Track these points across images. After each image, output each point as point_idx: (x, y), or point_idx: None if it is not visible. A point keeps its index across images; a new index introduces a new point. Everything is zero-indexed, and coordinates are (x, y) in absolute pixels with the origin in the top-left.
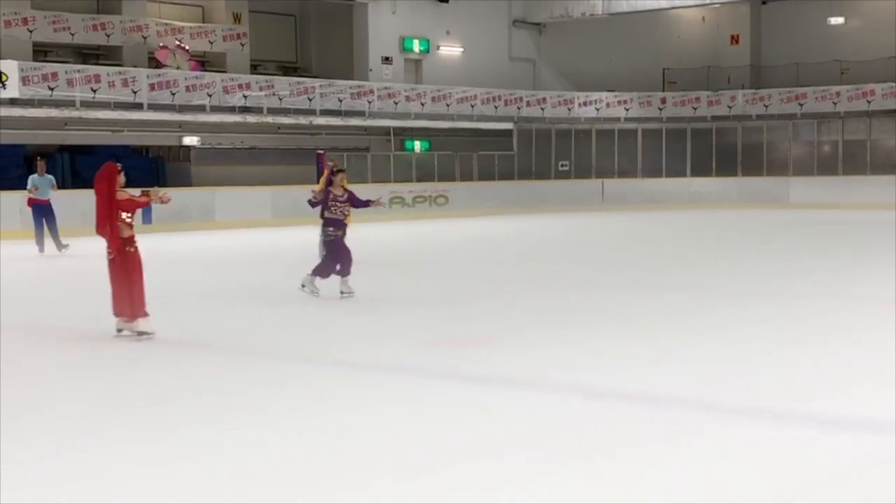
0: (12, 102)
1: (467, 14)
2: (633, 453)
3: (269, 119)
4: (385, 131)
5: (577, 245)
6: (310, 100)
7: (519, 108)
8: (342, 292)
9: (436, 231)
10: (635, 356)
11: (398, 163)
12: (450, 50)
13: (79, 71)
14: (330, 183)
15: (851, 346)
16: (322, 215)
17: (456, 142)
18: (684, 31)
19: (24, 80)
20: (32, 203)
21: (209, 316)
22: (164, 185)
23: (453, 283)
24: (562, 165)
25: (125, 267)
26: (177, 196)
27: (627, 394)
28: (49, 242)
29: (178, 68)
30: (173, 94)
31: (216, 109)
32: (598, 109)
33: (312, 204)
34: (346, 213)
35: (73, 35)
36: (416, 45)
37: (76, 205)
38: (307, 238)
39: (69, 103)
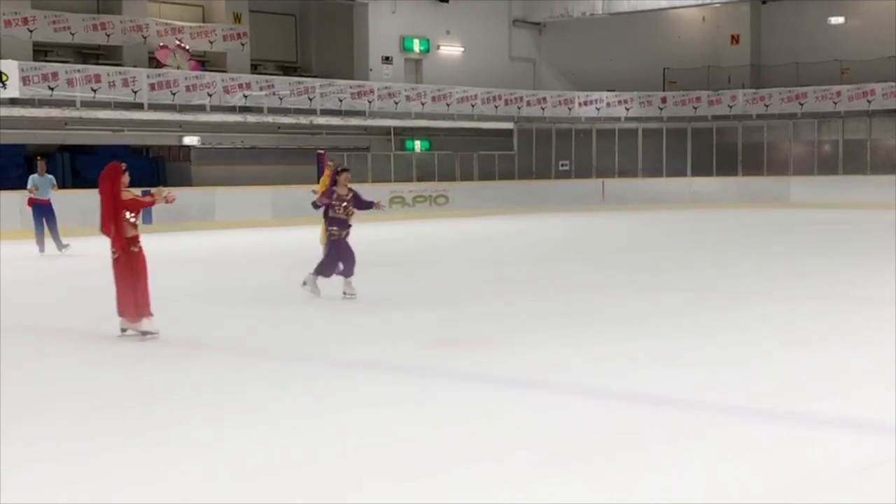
0: (12, 102)
1: (467, 14)
2: (634, 455)
3: (270, 119)
4: (385, 131)
5: (578, 245)
6: (310, 99)
7: (519, 108)
8: (345, 293)
9: (436, 231)
10: (636, 358)
11: (398, 162)
12: (450, 49)
13: (79, 71)
14: (334, 182)
15: (851, 348)
16: (325, 214)
17: (456, 141)
18: (684, 30)
19: (25, 80)
20: (33, 203)
21: (209, 316)
22: (164, 184)
23: (453, 284)
24: (562, 165)
25: (130, 267)
26: (177, 196)
27: (628, 395)
28: (49, 242)
29: (178, 68)
30: (173, 94)
31: (216, 109)
32: (598, 109)
33: (317, 206)
34: (350, 212)
35: (73, 35)
36: (417, 45)
37: (76, 205)
38: (307, 238)
39: (69, 103)
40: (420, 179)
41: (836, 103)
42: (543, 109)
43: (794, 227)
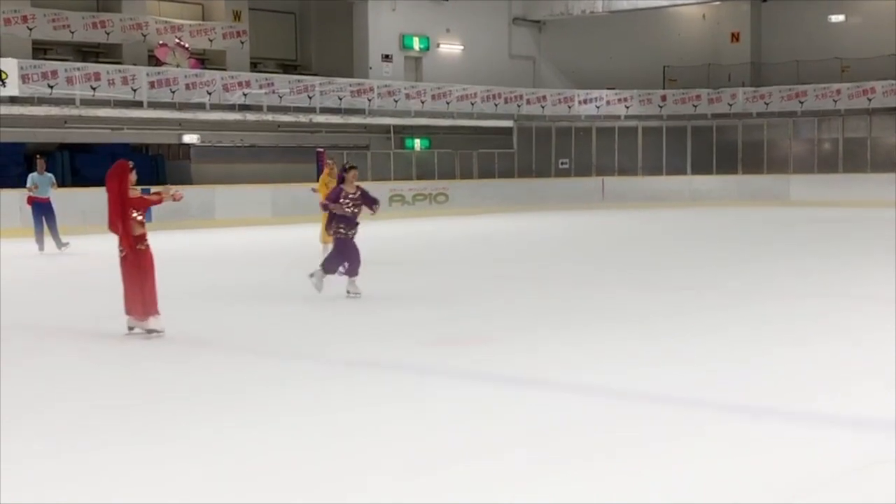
0: (12, 100)
1: (467, 12)
2: (634, 453)
3: (269, 117)
4: (385, 129)
5: (578, 243)
6: (310, 98)
7: (519, 106)
8: (349, 292)
9: (436, 229)
10: (635, 356)
11: (398, 161)
12: (450, 48)
13: (78, 69)
14: (342, 180)
15: (852, 346)
16: (332, 213)
17: (456, 140)
18: (684, 28)
19: (24, 79)
20: (32, 201)
21: (208, 314)
22: (163, 183)
23: (453, 282)
24: (562, 163)
25: (137, 265)
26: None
27: (627, 394)
28: (49, 241)
29: (177, 66)
30: (173, 92)
31: (216, 107)
32: (598, 107)
33: (327, 207)
34: (358, 210)
35: (72, 33)
36: (416, 43)
37: (76, 203)
38: (307, 236)
39: (69, 101)
40: (420, 178)
41: (836, 101)
42: (543, 107)
43: (794, 225)
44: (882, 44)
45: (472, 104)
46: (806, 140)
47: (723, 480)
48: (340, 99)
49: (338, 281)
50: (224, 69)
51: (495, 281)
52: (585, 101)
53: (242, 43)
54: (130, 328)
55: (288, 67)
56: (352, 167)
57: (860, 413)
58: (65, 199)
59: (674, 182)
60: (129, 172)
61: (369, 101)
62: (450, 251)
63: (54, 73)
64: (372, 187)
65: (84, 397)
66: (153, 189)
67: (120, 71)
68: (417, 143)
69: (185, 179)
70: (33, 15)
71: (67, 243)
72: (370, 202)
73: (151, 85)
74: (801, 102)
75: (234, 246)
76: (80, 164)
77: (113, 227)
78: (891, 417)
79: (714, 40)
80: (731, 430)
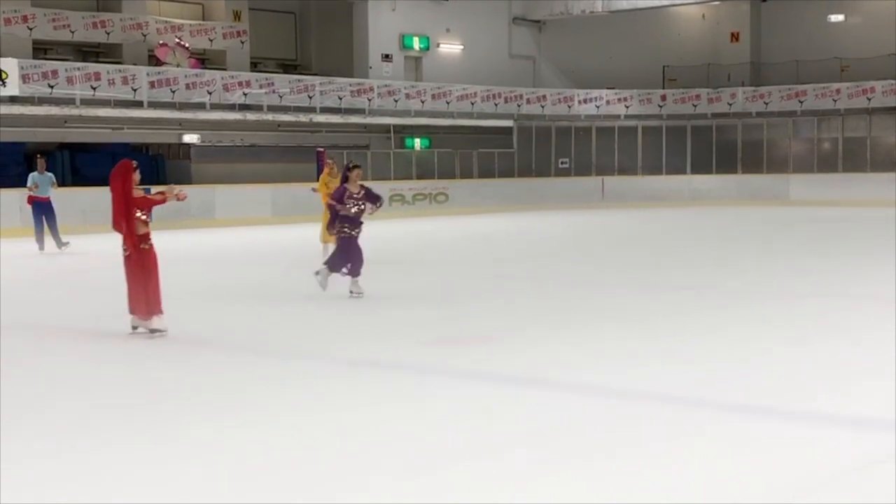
0: (12, 100)
1: (467, 11)
2: (634, 453)
3: (269, 117)
4: (385, 129)
5: (577, 243)
6: (310, 97)
7: (519, 106)
8: (351, 292)
9: (436, 229)
10: (635, 356)
11: (398, 160)
12: (450, 47)
13: (79, 69)
14: (346, 180)
15: (851, 346)
16: (336, 211)
17: (456, 139)
18: (684, 28)
19: (24, 78)
20: (32, 201)
21: (208, 314)
22: (164, 183)
23: (453, 282)
24: (562, 163)
25: (141, 264)
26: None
27: (627, 393)
28: (49, 240)
29: (177, 66)
30: (173, 92)
31: (216, 107)
32: (598, 107)
33: (334, 207)
34: (362, 209)
35: (73, 33)
36: (416, 43)
37: (76, 203)
38: (307, 236)
39: (69, 101)
40: (420, 177)
41: (835, 101)
42: (543, 107)
43: (793, 224)
44: (882, 44)
45: (472, 104)
46: (806, 140)
47: (723, 480)
48: (340, 99)
49: (340, 280)
50: (224, 69)
51: (495, 281)
52: (585, 101)
53: (242, 43)
54: (134, 327)
55: (288, 67)
56: (355, 166)
57: (860, 413)
58: (65, 199)
59: (673, 182)
60: (133, 172)
61: (369, 100)
62: (450, 251)
63: (54, 72)
64: (372, 187)
65: (84, 396)
66: (154, 189)
67: (120, 71)
68: (417, 142)
69: (186, 179)
70: (33, 15)
71: (68, 243)
72: (374, 199)
73: (151, 85)
74: (801, 102)
75: (234, 246)
76: (81, 163)
77: (117, 226)
78: (891, 417)
79: (714, 40)
80: (731, 430)
